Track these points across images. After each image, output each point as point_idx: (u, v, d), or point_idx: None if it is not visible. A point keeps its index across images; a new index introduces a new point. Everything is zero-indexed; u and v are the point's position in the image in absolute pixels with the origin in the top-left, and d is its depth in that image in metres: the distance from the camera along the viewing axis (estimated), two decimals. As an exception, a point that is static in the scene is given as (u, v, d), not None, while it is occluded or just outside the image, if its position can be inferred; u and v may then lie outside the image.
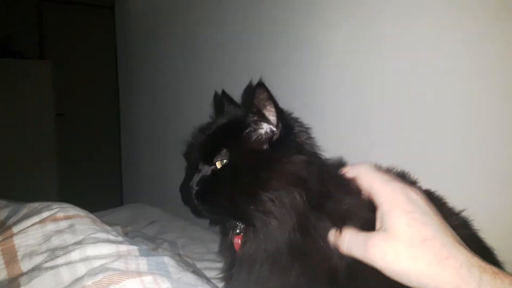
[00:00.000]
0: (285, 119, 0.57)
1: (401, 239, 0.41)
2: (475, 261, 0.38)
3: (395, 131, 0.82)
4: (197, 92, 1.40)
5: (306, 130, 0.60)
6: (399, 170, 0.59)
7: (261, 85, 0.53)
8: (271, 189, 0.52)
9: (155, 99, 1.69)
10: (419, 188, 0.48)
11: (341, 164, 0.60)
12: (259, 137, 0.56)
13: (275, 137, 0.55)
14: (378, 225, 0.45)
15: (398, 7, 0.81)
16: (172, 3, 1.52)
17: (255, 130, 0.56)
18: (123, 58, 1.94)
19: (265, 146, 0.56)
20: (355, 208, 0.51)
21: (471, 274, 0.37)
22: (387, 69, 0.83)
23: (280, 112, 0.55)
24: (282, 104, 0.57)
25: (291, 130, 0.57)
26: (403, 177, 0.58)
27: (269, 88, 0.53)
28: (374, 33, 0.85)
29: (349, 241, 0.46)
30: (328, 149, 0.62)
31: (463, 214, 0.57)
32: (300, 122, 0.61)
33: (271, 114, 0.55)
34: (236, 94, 1.05)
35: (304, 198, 0.52)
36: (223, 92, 0.71)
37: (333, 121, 0.93)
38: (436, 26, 0.75)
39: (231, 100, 0.70)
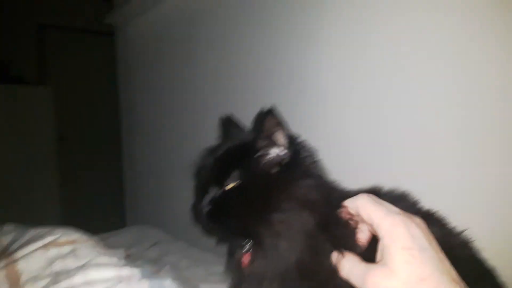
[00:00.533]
0: (294, 144, 0.59)
1: (399, 276, 0.41)
2: None
3: (399, 144, 0.83)
4: (198, 116, 1.42)
5: (312, 154, 0.62)
6: (400, 191, 0.59)
7: (271, 111, 0.55)
8: (281, 211, 0.54)
9: (156, 123, 1.71)
10: (420, 219, 0.47)
11: (345, 192, 0.61)
12: (269, 161, 0.58)
13: (284, 161, 0.57)
14: (378, 256, 0.45)
15: (400, 9, 0.83)
16: (171, 29, 1.55)
17: (265, 154, 0.58)
18: (124, 82, 1.96)
19: (275, 169, 0.57)
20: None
21: None
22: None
23: (289, 138, 0.57)
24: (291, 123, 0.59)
25: (298, 154, 0.59)
26: (405, 198, 0.59)
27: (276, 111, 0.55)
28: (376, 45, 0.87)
29: (349, 268, 0.46)
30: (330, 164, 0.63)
31: (465, 234, 0.57)
32: (306, 146, 0.62)
33: (280, 139, 0.57)
34: (239, 117, 1.07)
35: (313, 221, 0.53)
36: (230, 116, 0.72)
37: (337, 137, 0.94)
38: (441, 28, 0.77)
39: (237, 124, 0.72)
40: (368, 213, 0.47)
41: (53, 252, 0.62)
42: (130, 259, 0.81)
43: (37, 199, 2.61)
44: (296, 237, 0.53)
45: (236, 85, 1.23)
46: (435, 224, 0.55)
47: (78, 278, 0.55)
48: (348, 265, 0.46)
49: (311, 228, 0.53)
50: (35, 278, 0.58)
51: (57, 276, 0.57)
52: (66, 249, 0.63)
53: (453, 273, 0.42)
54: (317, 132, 0.94)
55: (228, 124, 0.73)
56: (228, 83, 1.27)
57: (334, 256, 0.49)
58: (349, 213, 0.50)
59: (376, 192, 0.58)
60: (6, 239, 0.71)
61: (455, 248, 0.52)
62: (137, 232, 1.32)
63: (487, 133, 0.71)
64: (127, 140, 1.96)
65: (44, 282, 0.56)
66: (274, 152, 0.57)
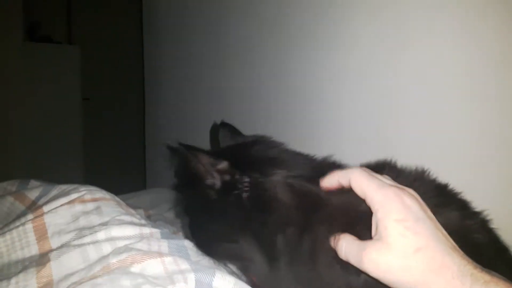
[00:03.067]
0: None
1: (394, 249, 0.41)
2: (468, 269, 0.38)
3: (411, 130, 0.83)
4: (225, 83, 1.42)
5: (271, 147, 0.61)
6: (417, 167, 0.59)
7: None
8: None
9: (180, 84, 1.72)
10: (414, 190, 0.46)
11: (326, 164, 0.60)
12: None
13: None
14: (373, 231, 0.44)
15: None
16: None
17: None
18: (149, 44, 1.96)
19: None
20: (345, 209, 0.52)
21: (462, 285, 0.37)
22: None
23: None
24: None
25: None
26: (422, 175, 0.58)
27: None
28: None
29: (345, 249, 0.45)
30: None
31: (483, 213, 0.57)
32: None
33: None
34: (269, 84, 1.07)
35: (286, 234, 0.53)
36: (222, 122, 0.70)
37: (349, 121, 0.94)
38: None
39: (233, 130, 0.68)
40: (360, 186, 0.46)
41: (78, 208, 0.65)
42: (150, 220, 0.84)
43: (60, 157, 2.67)
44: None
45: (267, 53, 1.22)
46: (447, 198, 0.56)
47: (101, 234, 0.57)
48: (344, 246, 0.46)
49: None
50: (60, 232, 0.61)
51: (82, 231, 0.60)
52: (91, 206, 0.65)
53: (450, 241, 0.42)
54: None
55: (220, 131, 0.70)
56: (255, 51, 1.26)
57: (331, 241, 0.48)
58: (341, 185, 0.49)
59: (385, 165, 0.59)
60: (33, 195, 0.74)
61: (472, 229, 0.52)
62: (156, 194, 1.35)
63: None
64: (150, 101, 1.98)
65: (69, 236, 0.59)
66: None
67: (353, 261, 0.44)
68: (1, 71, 2.41)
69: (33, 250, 0.59)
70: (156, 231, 0.60)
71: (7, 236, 0.60)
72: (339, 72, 0.98)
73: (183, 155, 0.57)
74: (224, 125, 0.69)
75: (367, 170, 0.48)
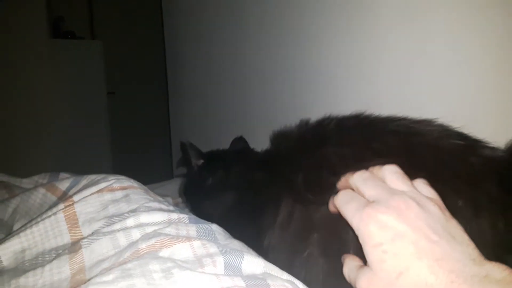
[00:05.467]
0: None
1: (380, 277, 0.38)
2: (454, 287, 0.35)
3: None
4: (247, 72, 1.42)
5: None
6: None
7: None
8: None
9: (202, 75, 1.73)
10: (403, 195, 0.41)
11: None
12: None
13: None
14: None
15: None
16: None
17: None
18: (171, 35, 1.98)
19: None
20: None
21: None
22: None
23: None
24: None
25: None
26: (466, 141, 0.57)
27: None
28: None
29: (347, 274, 0.44)
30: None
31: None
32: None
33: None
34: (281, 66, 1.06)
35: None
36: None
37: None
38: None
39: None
40: (342, 213, 0.44)
41: (107, 196, 0.66)
42: (178, 207, 0.85)
43: (88, 151, 2.72)
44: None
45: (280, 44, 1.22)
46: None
47: (130, 221, 0.58)
48: (346, 272, 0.44)
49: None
50: (91, 220, 0.62)
51: (111, 219, 0.61)
52: (119, 194, 0.66)
53: (436, 250, 0.37)
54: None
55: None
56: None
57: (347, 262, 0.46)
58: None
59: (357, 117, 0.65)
60: (63, 185, 0.76)
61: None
62: (183, 183, 1.36)
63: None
64: (174, 93, 2.00)
65: (99, 223, 0.60)
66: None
67: (354, 286, 0.42)
68: (27, 68, 2.46)
69: (66, 238, 0.60)
70: (184, 217, 0.61)
71: (41, 226, 0.62)
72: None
73: (185, 148, 0.87)
74: (240, 138, 0.99)
75: (361, 175, 0.45)
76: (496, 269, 0.35)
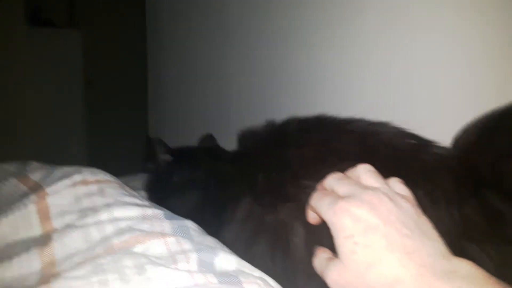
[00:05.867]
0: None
1: (350, 268, 0.39)
2: (424, 280, 0.35)
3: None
4: (230, 63, 1.42)
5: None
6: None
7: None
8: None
9: (184, 67, 1.72)
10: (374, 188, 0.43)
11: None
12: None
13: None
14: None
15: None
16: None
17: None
18: (152, 28, 1.95)
19: None
20: None
21: None
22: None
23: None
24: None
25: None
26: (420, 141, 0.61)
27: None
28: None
29: (317, 266, 0.44)
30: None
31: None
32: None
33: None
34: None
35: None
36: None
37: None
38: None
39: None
40: (317, 211, 0.45)
41: (80, 190, 0.65)
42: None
43: (63, 140, 2.68)
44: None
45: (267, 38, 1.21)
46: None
47: (104, 215, 0.58)
48: (316, 263, 0.45)
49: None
50: (63, 213, 0.61)
51: (84, 212, 0.60)
52: (93, 187, 0.65)
53: (407, 244, 0.38)
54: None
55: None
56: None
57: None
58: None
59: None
60: (36, 176, 0.74)
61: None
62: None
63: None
64: (154, 84, 1.98)
65: (72, 216, 0.59)
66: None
67: (323, 278, 0.42)
68: (3, 56, 2.40)
69: (36, 230, 0.59)
70: (158, 212, 0.61)
71: (10, 217, 0.60)
72: (342, 70, 0.98)
73: (153, 143, 0.88)
74: (209, 136, 0.98)
75: (334, 177, 0.47)
76: (464, 265, 0.36)
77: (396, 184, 0.46)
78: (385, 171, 0.47)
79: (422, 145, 0.60)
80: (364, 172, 0.46)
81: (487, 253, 0.47)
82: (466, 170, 0.55)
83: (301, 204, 0.54)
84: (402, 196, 0.43)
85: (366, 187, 0.43)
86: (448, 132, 0.61)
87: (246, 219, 0.63)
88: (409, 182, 0.48)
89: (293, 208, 0.58)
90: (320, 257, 0.45)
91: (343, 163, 0.55)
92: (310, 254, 0.51)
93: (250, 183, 0.65)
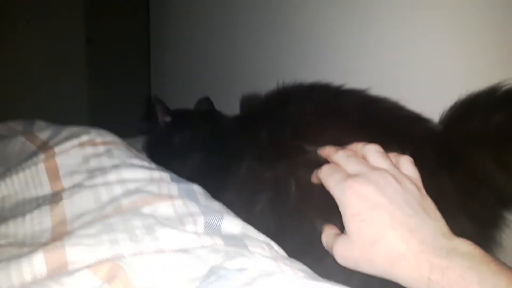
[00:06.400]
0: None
1: (356, 244, 0.41)
2: (424, 256, 0.38)
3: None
4: (234, 28, 1.40)
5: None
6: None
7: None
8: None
9: (187, 27, 1.69)
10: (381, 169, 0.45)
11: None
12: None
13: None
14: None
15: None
16: None
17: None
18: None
19: None
20: None
21: (421, 276, 0.37)
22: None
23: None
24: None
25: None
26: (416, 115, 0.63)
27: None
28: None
29: (325, 242, 0.47)
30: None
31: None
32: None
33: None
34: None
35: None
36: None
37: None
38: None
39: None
40: (325, 186, 0.47)
41: (89, 150, 0.66)
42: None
43: (64, 99, 2.66)
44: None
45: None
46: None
47: (112, 176, 0.59)
48: (324, 240, 0.47)
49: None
50: (72, 173, 0.62)
51: (93, 172, 0.61)
52: (101, 149, 0.66)
53: (410, 222, 0.40)
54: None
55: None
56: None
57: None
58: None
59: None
60: (44, 135, 0.75)
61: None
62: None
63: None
64: (156, 44, 1.95)
65: (80, 176, 0.61)
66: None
67: (331, 254, 0.45)
68: (1, 11, 2.36)
69: (46, 189, 0.61)
70: (165, 175, 0.62)
71: (21, 175, 0.62)
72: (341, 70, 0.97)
73: (153, 103, 0.87)
74: (205, 99, 0.95)
75: (341, 154, 0.49)
76: (463, 244, 0.38)
77: (405, 164, 0.48)
78: (380, 137, 0.51)
79: (416, 117, 0.63)
80: (373, 152, 0.48)
81: (461, 227, 0.49)
82: (443, 145, 0.58)
83: (299, 160, 0.58)
84: (409, 177, 0.45)
85: (374, 168, 0.45)
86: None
87: (246, 178, 0.65)
88: (399, 146, 0.52)
89: (291, 163, 0.60)
90: (328, 233, 0.47)
91: (343, 122, 0.60)
92: (307, 209, 0.56)
93: (252, 141, 0.67)
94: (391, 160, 0.47)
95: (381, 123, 0.60)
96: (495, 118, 0.56)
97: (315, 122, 0.62)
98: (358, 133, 0.55)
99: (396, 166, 0.47)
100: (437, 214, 0.42)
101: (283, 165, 0.60)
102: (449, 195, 0.53)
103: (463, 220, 0.52)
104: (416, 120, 0.62)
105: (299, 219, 0.58)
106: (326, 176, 0.47)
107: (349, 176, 0.45)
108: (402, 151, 0.51)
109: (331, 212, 0.47)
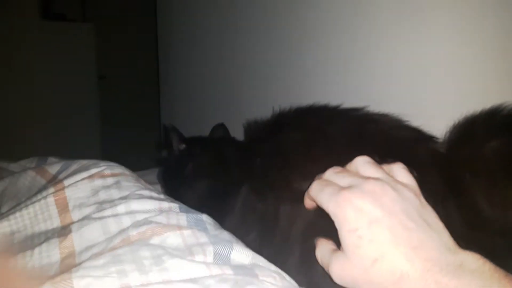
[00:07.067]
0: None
1: (354, 262, 0.38)
2: (430, 276, 0.34)
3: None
4: (240, 58, 1.42)
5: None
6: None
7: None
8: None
9: (195, 61, 1.72)
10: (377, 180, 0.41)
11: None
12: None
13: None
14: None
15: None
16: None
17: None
18: (163, 20, 1.96)
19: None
20: None
21: None
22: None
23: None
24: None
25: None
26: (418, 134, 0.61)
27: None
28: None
29: (320, 258, 0.43)
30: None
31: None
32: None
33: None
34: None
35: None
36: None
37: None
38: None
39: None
40: (318, 202, 0.43)
41: (98, 182, 0.66)
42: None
43: (77, 135, 2.69)
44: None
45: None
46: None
47: (121, 208, 0.59)
48: (319, 255, 0.43)
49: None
50: (81, 205, 0.62)
51: (102, 205, 0.61)
52: (110, 180, 0.67)
53: (413, 238, 0.37)
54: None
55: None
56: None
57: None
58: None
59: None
60: (53, 169, 0.76)
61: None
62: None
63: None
64: (165, 78, 1.99)
65: (90, 209, 0.61)
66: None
67: (327, 271, 0.41)
68: (17, 49, 2.42)
69: (55, 222, 0.61)
70: (174, 205, 0.61)
71: (30, 209, 0.62)
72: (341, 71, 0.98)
73: (168, 131, 0.87)
74: (220, 125, 0.97)
75: (332, 171, 0.45)
76: (471, 258, 0.36)
77: (400, 171, 0.44)
78: (377, 160, 0.47)
79: (418, 138, 0.60)
80: (363, 164, 0.44)
81: None
82: (448, 167, 0.55)
83: (285, 193, 0.58)
84: (405, 185, 0.41)
85: (368, 177, 0.42)
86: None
87: (242, 208, 0.66)
88: None
89: (278, 196, 0.59)
90: (323, 248, 0.43)
91: (333, 148, 0.58)
92: (297, 242, 0.55)
93: (249, 169, 0.67)
94: (383, 169, 0.43)
95: (379, 145, 0.58)
96: (491, 145, 0.54)
97: (303, 152, 0.60)
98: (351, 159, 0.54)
99: (390, 175, 0.43)
100: (439, 225, 0.39)
101: (271, 197, 0.60)
102: (456, 222, 0.51)
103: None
104: (418, 141, 0.60)
105: (286, 252, 0.58)
106: (317, 192, 0.43)
107: (341, 188, 0.41)
108: None
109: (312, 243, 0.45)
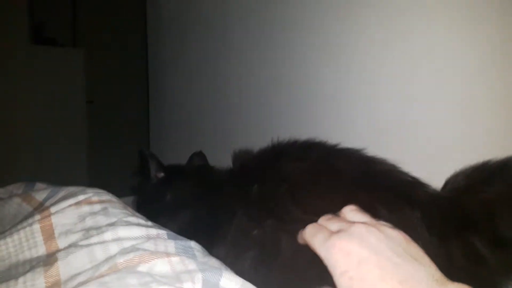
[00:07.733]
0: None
1: None
2: None
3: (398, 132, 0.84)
4: (230, 81, 1.43)
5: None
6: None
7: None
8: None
9: (185, 86, 1.73)
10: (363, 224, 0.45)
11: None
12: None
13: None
14: None
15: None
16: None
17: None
18: (154, 46, 1.97)
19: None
20: None
21: None
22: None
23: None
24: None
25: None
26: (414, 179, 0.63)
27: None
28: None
29: None
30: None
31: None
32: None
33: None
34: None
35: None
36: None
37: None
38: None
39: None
40: (311, 246, 0.46)
41: (85, 209, 0.65)
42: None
43: (64, 160, 2.67)
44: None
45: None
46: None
47: (108, 235, 0.58)
48: None
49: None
50: (67, 232, 0.61)
51: (88, 231, 0.60)
52: (97, 207, 0.66)
53: (400, 272, 0.38)
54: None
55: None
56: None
57: None
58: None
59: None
60: (40, 196, 0.75)
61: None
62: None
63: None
64: (155, 103, 1.99)
65: (76, 236, 0.60)
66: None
67: None
68: (5, 73, 2.42)
69: (41, 250, 0.59)
70: (162, 232, 0.61)
71: (15, 237, 0.61)
72: (340, 73, 0.98)
73: (146, 158, 0.85)
74: (198, 153, 0.96)
75: (324, 218, 0.49)
76: None
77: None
78: (382, 196, 0.52)
79: (417, 182, 0.63)
80: (349, 211, 0.49)
81: None
82: (455, 211, 0.57)
83: (287, 222, 0.58)
84: (390, 226, 0.45)
85: (354, 222, 0.46)
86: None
87: (235, 233, 0.65)
88: (408, 210, 0.53)
89: (278, 224, 0.59)
90: None
91: (338, 183, 0.59)
92: (293, 269, 0.55)
93: (243, 196, 0.67)
94: (368, 215, 0.48)
95: (383, 184, 0.60)
96: (486, 194, 0.57)
97: (307, 182, 0.62)
98: (356, 194, 0.56)
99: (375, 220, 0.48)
100: (425, 259, 0.41)
101: (271, 225, 0.60)
102: (458, 262, 0.53)
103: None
104: (417, 184, 0.62)
105: (284, 281, 0.57)
106: (310, 237, 0.47)
107: (332, 233, 0.44)
108: (412, 211, 0.52)
109: (315, 276, 0.48)
